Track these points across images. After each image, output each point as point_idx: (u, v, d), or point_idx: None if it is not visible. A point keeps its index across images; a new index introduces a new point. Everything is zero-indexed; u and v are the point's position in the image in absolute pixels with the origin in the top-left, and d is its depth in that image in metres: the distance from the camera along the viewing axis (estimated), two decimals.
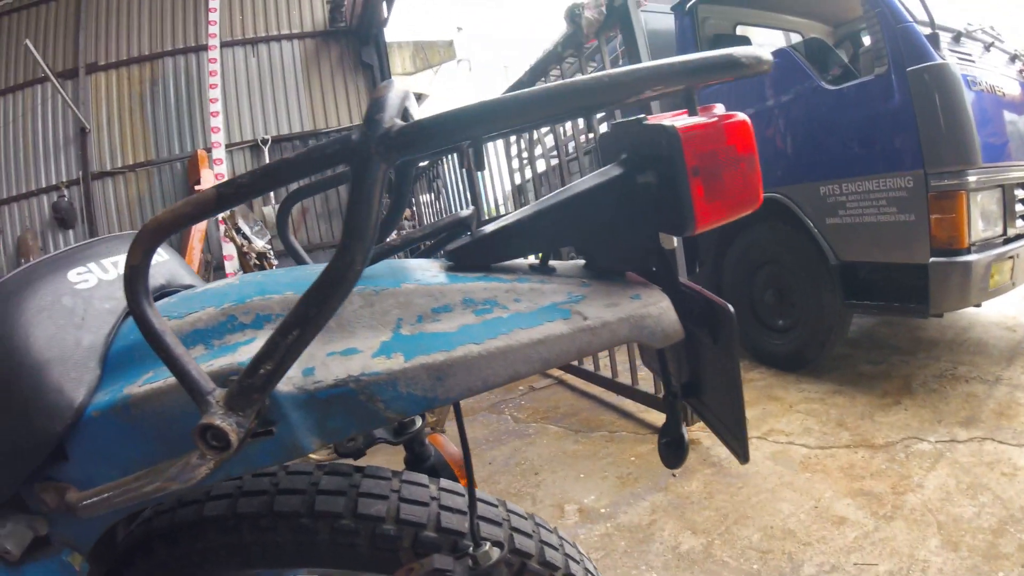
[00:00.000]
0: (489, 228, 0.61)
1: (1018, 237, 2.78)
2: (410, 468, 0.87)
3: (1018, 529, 1.70)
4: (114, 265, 0.73)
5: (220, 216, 5.93)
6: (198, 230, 6.02)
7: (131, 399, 0.56)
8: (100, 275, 0.70)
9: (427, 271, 0.59)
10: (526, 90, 0.42)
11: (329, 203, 6.92)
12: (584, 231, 0.61)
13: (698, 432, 2.63)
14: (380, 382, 0.49)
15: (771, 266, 3.36)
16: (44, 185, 6.28)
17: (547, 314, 0.54)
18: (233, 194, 0.43)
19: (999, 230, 2.68)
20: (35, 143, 6.31)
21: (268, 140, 6.63)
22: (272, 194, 6.61)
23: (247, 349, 0.53)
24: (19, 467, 0.59)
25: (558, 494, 2.28)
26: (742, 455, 0.64)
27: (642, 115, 0.59)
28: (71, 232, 6.27)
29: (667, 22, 3.83)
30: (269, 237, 6.40)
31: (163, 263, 0.80)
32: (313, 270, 0.63)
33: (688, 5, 3.68)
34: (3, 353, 0.60)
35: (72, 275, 0.68)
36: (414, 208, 6.08)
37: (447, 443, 0.95)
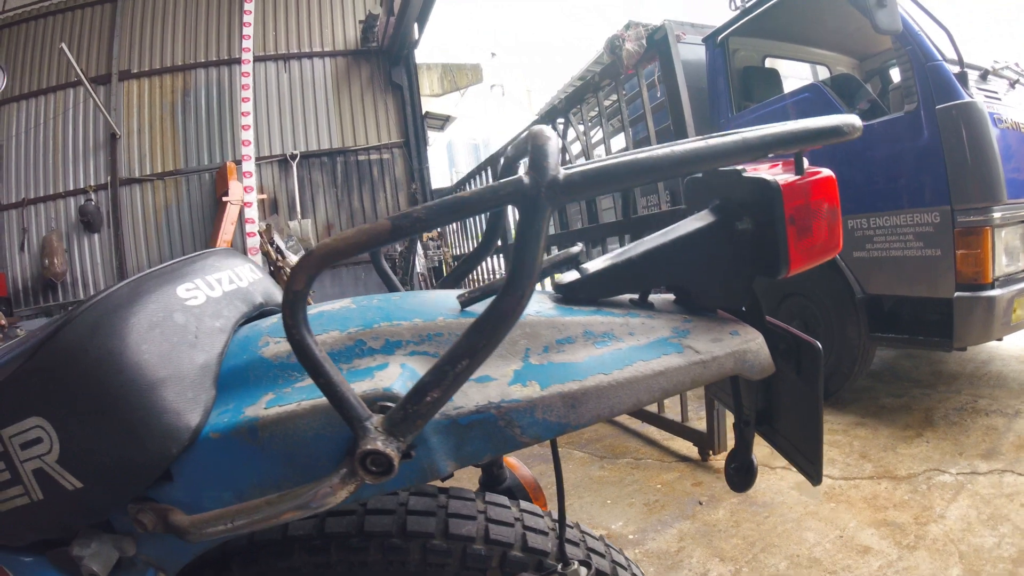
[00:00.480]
0: (596, 266, 0.66)
1: None
2: (485, 489, 0.89)
3: None
4: (218, 282, 0.71)
5: (257, 229, 6.02)
6: (223, 241, 6.09)
7: (259, 421, 0.55)
8: (207, 292, 0.68)
9: (542, 304, 0.62)
10: (676, 148, 0.47)
11: (355, 220, 6.99)
12: (683, 271, 0.65)
13: (722, 462, 2.64)
14: (519, 409, 0.53)
15: (797, 297, 3.39)
16: (72, 188, 6.38)
17: (662, 347, 0.58)
18: (409, 226, 0.44)
19: (1022, 265, 2.71)
20: (65, 146, 6.41)
21: (297, 155, 6.72)
22: (299, 208, 6.70)
23: (383, 375, 0.55)
24: (124, 489, 0.57)
25: (586, 519, 2.29)
26: (816, 477, 0.68)
27: (740, 167, 0.63)
28: (96, 236, 6.36)
29: (697, 52, 3.91)
30: (303, 253, 6.44)
31: (259, 281, 0.80)
32: (426, 297, 0.67)
33: (719, 38, 3.75)
34: (113, 370, 0.55)
35: (181, 291, 0.65)
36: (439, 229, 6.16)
37: (520, 466, 0.98)
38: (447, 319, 0.59)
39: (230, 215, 6.13)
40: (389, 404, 0.51)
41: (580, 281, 0.65)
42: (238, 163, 6.19)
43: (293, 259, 6.22)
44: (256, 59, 6.35)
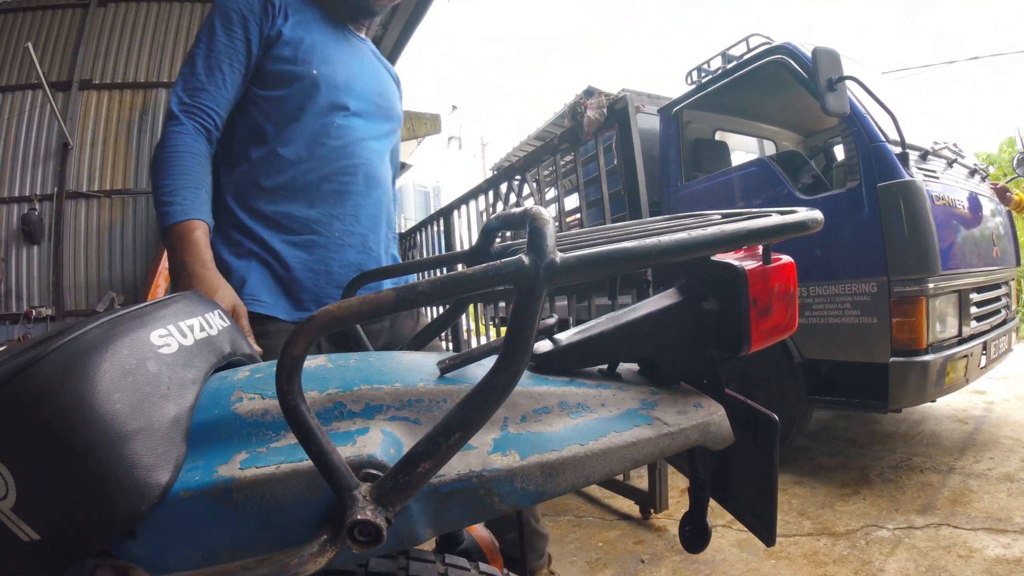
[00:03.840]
0: (568, 338, 0.69)
1: (971, 337, 2.99)
2: (443, 550, 0.89)
3: None
4: (190, 329, 0.68)
5: None
6: (165, 269, 5.88)
7: (235, 483, 0.53)
8: (180, 339, 0.65)
9: None
10: (663, 239, 0.50)
11: None
12: (651, 345, 0.69)
13: (664, 520, 2.68)
14: (499, 478, 0.53)
15: (737, 360, 3.47)
16: (17, 194, 6.01)
17: (632, 419, 0.60)
18: (412, 299, 0.45)
19: (955, 331, 2.87)
20: (15, 150, 6.06)
21: None
22: None
23: (365, 440, 0.54)
24: (86, 545, 0.53)
25: None
26: (770, 539, 0.71)
27: None
28: (36, 248, 6.02)
29: (651, 121, 4.10)
30: None
31: (227, 329, 0.77)
32: (404, 360, 0.68)
33: (674, 110, 3.95)
34: (84, 419, 0.52)
35: (154, 337, 0.62)
36: None
37: (478, 526, 0.98)
38: (427, 385, 0.60)
39: None
40: (372, 471, 0.51)
41: (554, 352, 0.68)
42: None
43: None
44: None
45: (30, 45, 5.65)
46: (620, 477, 2.89)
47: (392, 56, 6.18)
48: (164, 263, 5.83)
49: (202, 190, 1.19)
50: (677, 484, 2.88)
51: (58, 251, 6.06)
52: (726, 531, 2.48)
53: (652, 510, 2.72)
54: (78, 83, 6.27)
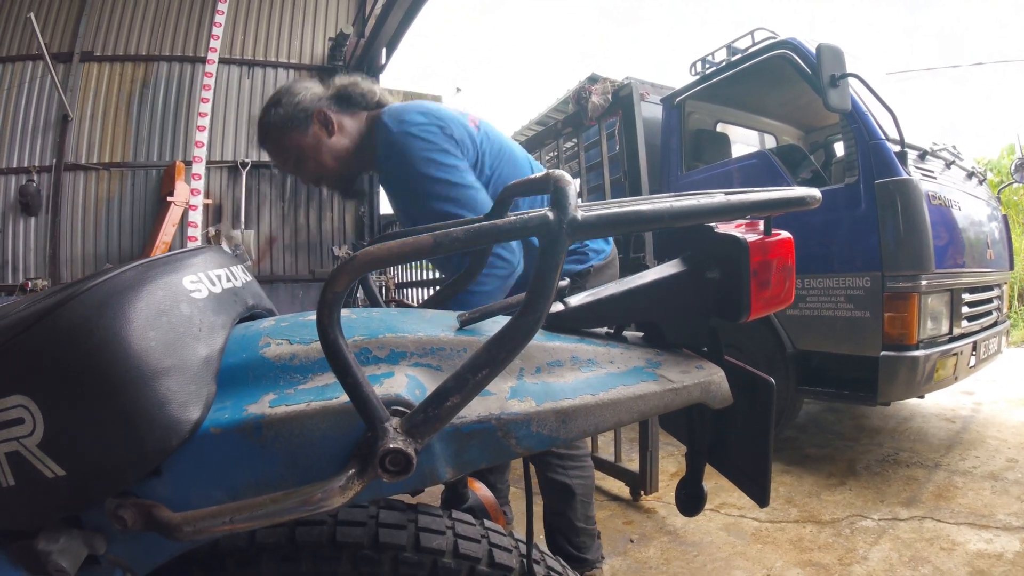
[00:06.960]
0: (579, 300, 0.72)
1: (962, 336, 3.04)
2: (446, 507, 0.92)
3: None
4: (218, 279, 0.70)
5: (203, 234, 5.84)
6: (163, 243, 5.88)
7: (265, 419, 0.55)
8: (209, 287, 0.67)
9: None
10: (675, 203, 0.54)
11: (299, 236, 6.81)
12: (656, 311, 0.72)
13: (653, 502, 2.73)
14: (517, 421, 0.57)
15: (728, 349, 3.50)
16: (15, 165, 5.98)
17: (639, 375, 0.64)
18: (449, 244, 0.48)
19: (945, 329, 2.92)
20: (14, 121, 6.02)
21: (248, 164, 6.55)
22: (244, 217, 6.53)
23: (392, 382, 0.57)
24: (113, 481, 0.54)
25: None
26: (763, 500, 0.75)
27: (712, 224, 0.71)
28: (32, 220, 6.00)
29: (653, 111, 4.12)
30: (248, 262, 6.27)
31: (250, 283, 0.80)
32: (424, 314, 0.71)
33: (677, 100, 3.97)
34: (119, 354, 0.53)
35: (186, 282, 0.64)
36: None
37: (481, 486, 1.02)
38: (448, 336, 0.63)
39: (172, 216, 5.91)
40: (400, 408, 0.54)
41: (565, 312, 0.71)
42: (188, 164, 5.99)
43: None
44: (221, 61, 6.22)
45: (32, 16, 5.62)
46: (611, 459, 2.96)
47: (394, 37, 6.14)
48: (161, 236, 5.82)
49: None
50: (667, 468, 2.93)
51: (55, 223, 6.05)
52: (714, 515, 2.54)
53: (642, 492, 2.78)
54: (79, 55, 6.24)
